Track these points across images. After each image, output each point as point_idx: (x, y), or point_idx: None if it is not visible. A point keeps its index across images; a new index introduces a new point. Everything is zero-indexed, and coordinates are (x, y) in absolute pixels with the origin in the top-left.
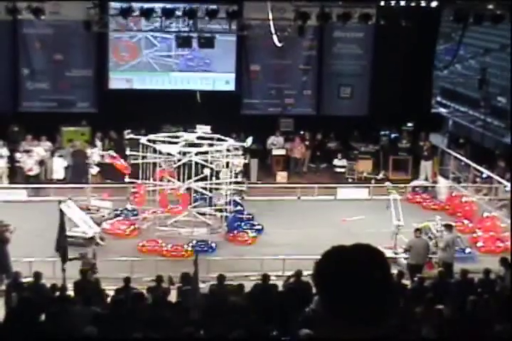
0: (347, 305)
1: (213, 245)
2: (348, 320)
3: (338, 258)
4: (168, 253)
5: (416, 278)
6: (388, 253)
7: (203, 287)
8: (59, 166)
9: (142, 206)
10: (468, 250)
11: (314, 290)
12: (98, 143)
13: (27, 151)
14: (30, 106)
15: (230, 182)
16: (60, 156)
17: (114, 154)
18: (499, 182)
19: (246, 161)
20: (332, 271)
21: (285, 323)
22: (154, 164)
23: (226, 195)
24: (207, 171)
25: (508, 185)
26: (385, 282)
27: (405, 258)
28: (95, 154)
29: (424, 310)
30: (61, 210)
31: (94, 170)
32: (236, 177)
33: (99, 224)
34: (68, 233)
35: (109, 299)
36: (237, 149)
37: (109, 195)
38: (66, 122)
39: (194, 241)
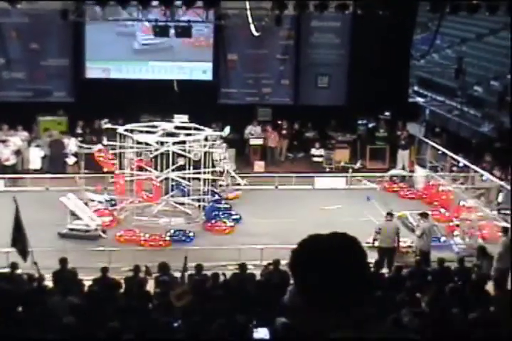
0: (322, 294)
1: (191, 235)
2: (324, 308)
3: (314, 246)
4: (146, 243)
5: (386, 263)
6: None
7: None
8: (35, 156)
9: (124, 196)
10: (443, 239)
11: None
12: (79, 131)
13: (3, 141)
14: (6, 96)
15: (210, 172)
16: (37, 146)
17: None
18: (475, 171)
19: (225, 152)
20: (308, 259)
21: (263, 312)
22: (132, 154)
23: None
24: (181, 161)
25: (485, 174)
26: (360, 270)
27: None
28: (72, 144)
29: (404, 298)
30: (16, 205)
31: (71, 160)
32: (214, 166)
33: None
34: (70, 226)
35: (86, 289)
36: (215, 140)
37: (101, 187)
38: (42, 112)
39: (172, 231)
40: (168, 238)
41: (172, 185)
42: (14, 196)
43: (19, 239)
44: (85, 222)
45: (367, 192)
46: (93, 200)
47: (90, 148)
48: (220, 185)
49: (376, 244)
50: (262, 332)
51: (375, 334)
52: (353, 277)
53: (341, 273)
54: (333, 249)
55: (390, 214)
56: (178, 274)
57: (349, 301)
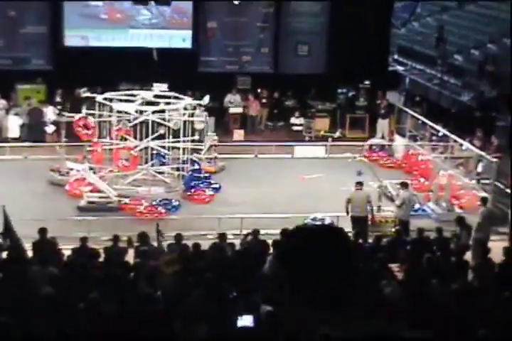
0: (310, 284)
1: (176, 204)
2: (310, 298)
3: (302, 241)
4: (141, 215)
5: (357, 231)
6: None
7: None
8: (14, 124)
9: (101, 164)
10: (417, 206)
11: (271, 250)
12: (58, 99)
13: None
14: None
15: (190, 141)
16: (16, 114)
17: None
18: (455, 141)
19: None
20: (297, 254)
21: (243, 283)
22: (111, 122)
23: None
24: (162, 130)
25: (465, 143)
26: (347, 263)
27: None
28: (50, 112)
29: (379, 269)
30: (5, 214)
31: (50, 128)
32: (193, 135)
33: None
34: (88, 199)
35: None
36: (195, 108)
37: (83, 156)
38: (21, 80)
39: (157, 200)
40: (163, 210)
41: (152, 154)
42: (4, 206)
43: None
44: (106, 195)
45: (346, 161)
46: (73, 169)
47: (72, 117)
48: (209, 159)
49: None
50: (246, 320)
51: (363, 330)
52: (340, 269)
53: (329, 264)
54: (321, 243)
55: (359, 184)
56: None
57: (336, 296)
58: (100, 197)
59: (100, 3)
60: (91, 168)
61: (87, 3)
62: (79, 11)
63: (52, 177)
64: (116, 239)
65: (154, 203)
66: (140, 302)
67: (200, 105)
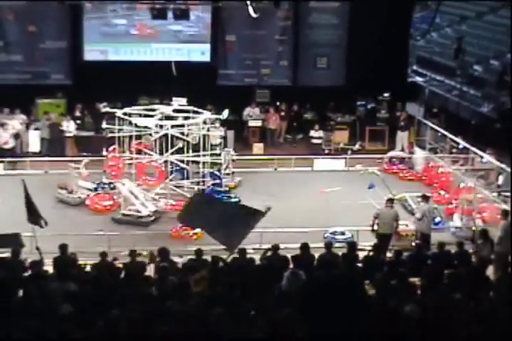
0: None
1: None
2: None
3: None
4: (177, 235)
5: (376, 245)
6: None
7: (180, 261)
8: (34, 139)
9: (121, 179)
10: (437, 219)
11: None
12: (78, 114)
13: (2, 124)
14: (4, 79)
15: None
16: (36, 129)
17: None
18: (475, 153)
19: (223, 134)
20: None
21: (261, 299)
22: (131, 137)
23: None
24: (180, 143)
25: (485, 155)
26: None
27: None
28: (71, 126)
29: (399, 284)
30: (24, 185)
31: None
32: (212, 149)
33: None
34: (123, 211)
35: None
36: (213, 123)
37: (88, 174)
38: (41, 94)
39: None
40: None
41: (171, 168)
42: (23, 179)
43: (31, 213)
44: (136, 208)
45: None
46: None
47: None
48: (227, 174)
49: (376, 228)
50: None
51: None
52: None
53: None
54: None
55: (390, 201)
56: (178, 259)
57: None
58: (136, 211)
59: (121, 21)
60: (110, 183)
61: (107, 19)
62: (98, 25)
63: (60, 195)
64: (133, 254)
65: None
66: (160, 319)
67: (218, 119)
